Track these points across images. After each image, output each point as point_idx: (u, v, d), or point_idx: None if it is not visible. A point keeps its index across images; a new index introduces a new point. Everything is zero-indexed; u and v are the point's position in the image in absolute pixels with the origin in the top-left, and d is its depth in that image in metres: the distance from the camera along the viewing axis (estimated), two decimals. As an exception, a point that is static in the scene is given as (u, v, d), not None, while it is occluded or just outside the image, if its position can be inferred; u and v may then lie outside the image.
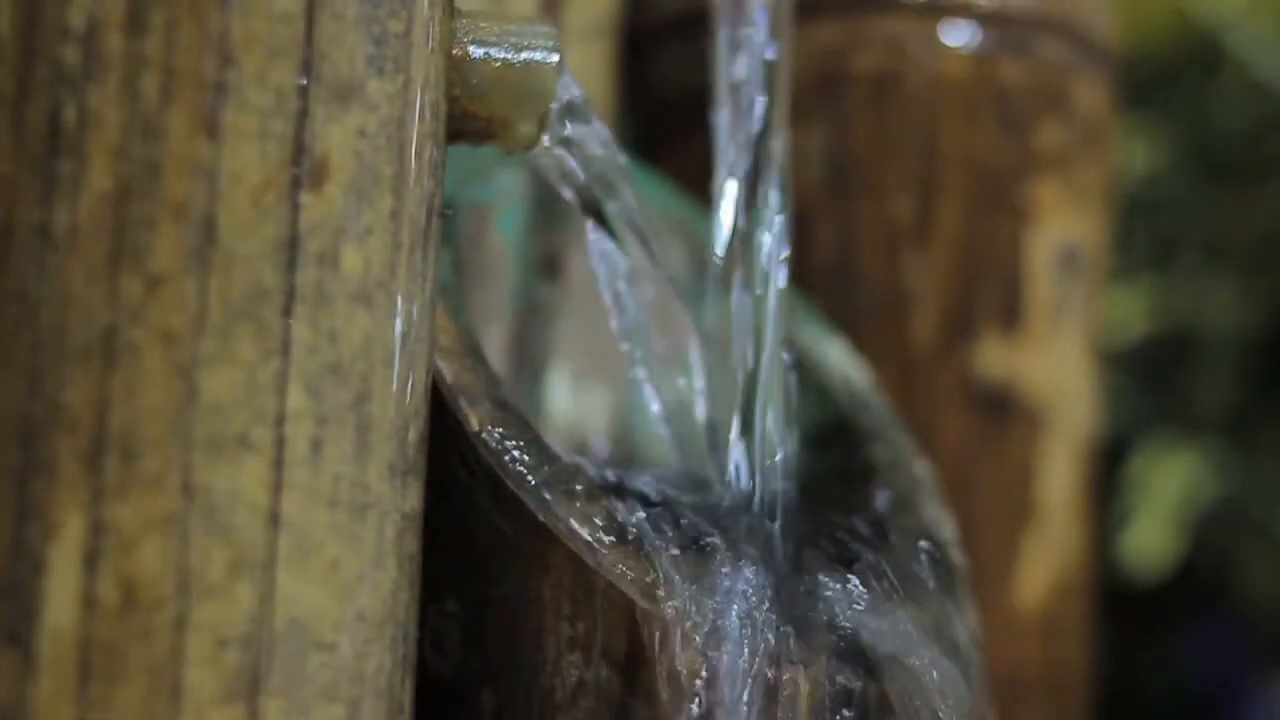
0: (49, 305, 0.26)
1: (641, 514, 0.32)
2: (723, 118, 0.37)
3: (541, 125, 0.32)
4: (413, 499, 0.29)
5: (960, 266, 0.46)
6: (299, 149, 0.27)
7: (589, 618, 0.30)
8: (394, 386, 0.28)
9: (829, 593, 0.32)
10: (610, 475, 0.34)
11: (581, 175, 0.34)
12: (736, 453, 0.36)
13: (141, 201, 0.26)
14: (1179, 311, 0.68)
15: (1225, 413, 0.69)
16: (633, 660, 0.30)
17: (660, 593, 0.30)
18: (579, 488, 0.31)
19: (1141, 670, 0.70)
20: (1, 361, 0.26)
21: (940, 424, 0.45)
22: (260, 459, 0.27)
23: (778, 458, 0.35)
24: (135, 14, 0.26)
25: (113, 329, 0.26)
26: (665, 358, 0.37)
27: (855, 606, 0.32)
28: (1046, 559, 0.46)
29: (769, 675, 0.30)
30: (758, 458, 0.35)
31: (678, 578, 0.31)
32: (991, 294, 0.46)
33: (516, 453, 0.31)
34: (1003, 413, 0.46)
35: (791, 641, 0.31)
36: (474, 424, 0.31)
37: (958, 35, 0.46)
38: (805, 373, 0.38)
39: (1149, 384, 0.69)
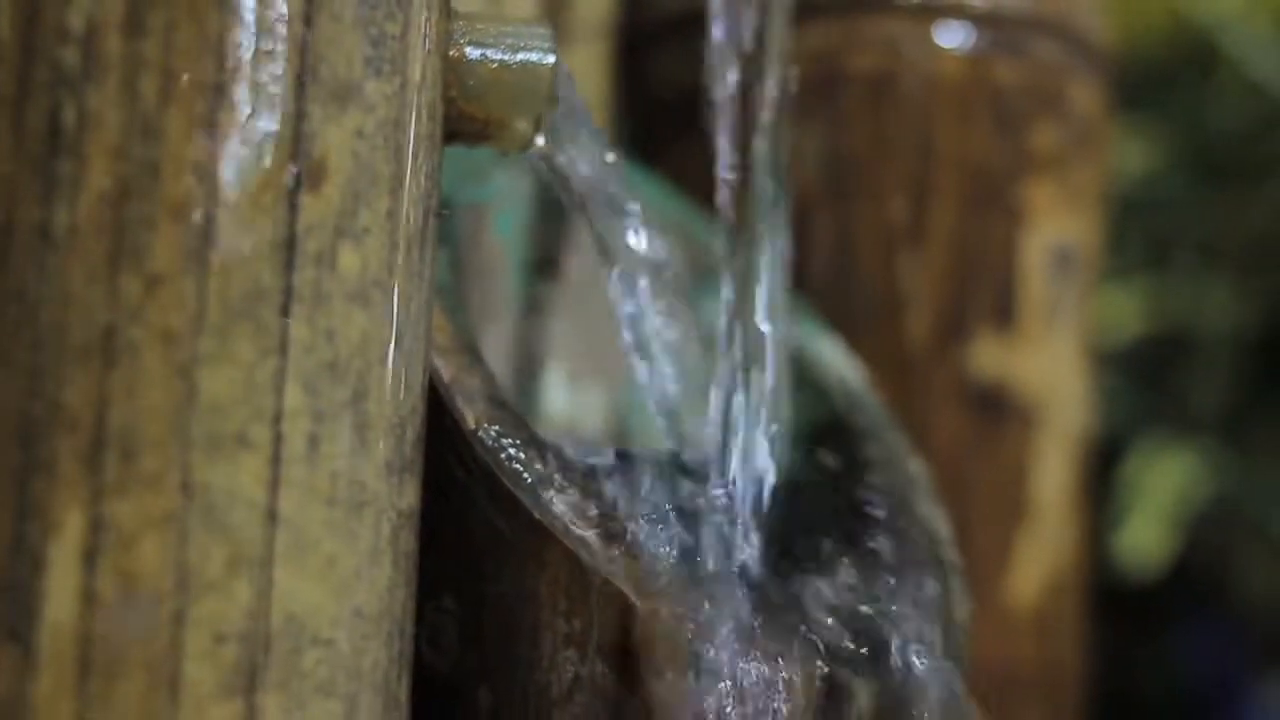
0: (49, 305, 0.26)
1: (637, 511, 0.32)
2: (722, 118, 0.37)
3: (537, 126, 0.32)
4: (409, 496, 0.29)
5: (955, 266, 0.46)
6: (297, 150, 0.27)
7: (585, 614, 0.30)
8: (391, 385, 0.28)
9: (823, 590, 0.32)
10: (606, 471, 0.34)
11: (577, 176, 0.34)
12: (732, 451, 0.36)
13: (141, 201, 0.26)
14: (1175, 311, 0.68)
15: (1221, 412, 0.69)
16: (628, 656, 0.30)
17: (655, 589, 0.30)
18: (575, 485, 0.31)
19: (1137, 669, 0.70)
20: (2, 361, 0.26)
21: (935, 423, 0.45)
22: (258, 457, 0.27)
23: (773, 456, 0.35)
24: (134, 16, 0.26)
25: (112, 328, 0.26)
26: (663, 356, 0.37)
27: (849, 604, 0.32)
28: (1040, 557, 0.47)
29: (762, 672, 0.30)
30: (753, 456, 0.36)
31: (672, 574, 0.31)
32: (986, 294, 0.46)
33: (513, 450, 0.31)
34: (997, 412, 0.46)
35: (784, 638, 0.31)
36: (470, 422, 0.32)
37: (952, 36, 0.46)
38: (801, 371, 0.38)
39: (1145, 384, 0.69)
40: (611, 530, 0.31)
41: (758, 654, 0.30)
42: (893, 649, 0.32)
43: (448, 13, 0.31)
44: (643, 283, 0.36)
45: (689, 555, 0.31)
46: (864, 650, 0.32)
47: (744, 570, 0.32)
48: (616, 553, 0.31)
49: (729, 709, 0.30)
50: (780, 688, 0.30)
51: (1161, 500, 0.66)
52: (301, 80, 0.27)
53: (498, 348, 0.40)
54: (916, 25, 0.46)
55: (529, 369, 0.41)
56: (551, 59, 0.32)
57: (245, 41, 0.27)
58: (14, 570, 0.26)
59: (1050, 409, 0.47)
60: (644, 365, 0.37)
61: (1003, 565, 0.46)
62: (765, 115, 0.37)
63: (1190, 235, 0.70)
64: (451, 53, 0.31)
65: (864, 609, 0.32)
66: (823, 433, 0.39)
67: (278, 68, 0.27)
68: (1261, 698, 0.70)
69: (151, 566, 0.26)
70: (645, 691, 0.30)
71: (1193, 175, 0.70)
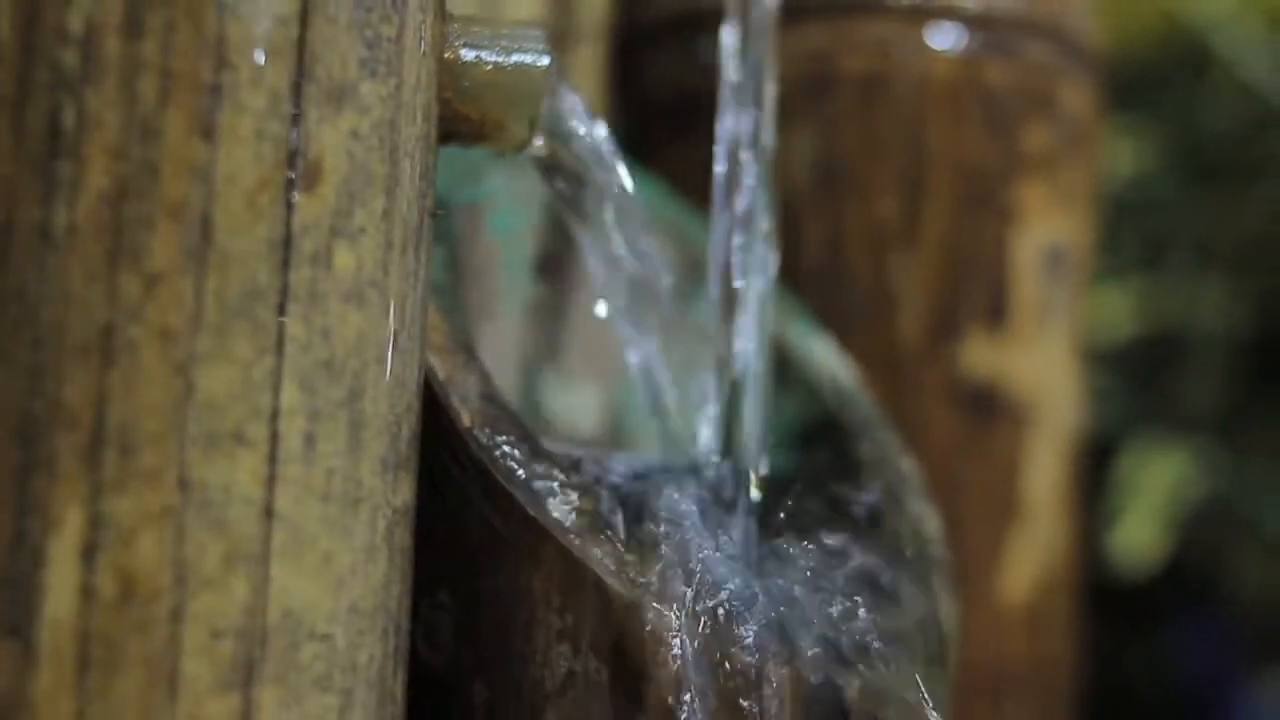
0: (49, 304, 0.26)
1: (630, 509, 0.32)
2: (721, 119, 0.37)
3: (532, 127, 0.33)
4: (404, 493, 0.29)
5: (947, 266, 0.46)
6: (293, 150, 0.27)
7: (578, 610, 0.30)
8: (386, 383, 0.29)
9: (813, 587, 0.33)
10: (600, 468, 0.34)
11: (573, 177, 0.35)
12: (724, 449, 0.36)
13: (139, 202, 0.26)
14: (1168, 311, 0.68)
15: (1214, 412, 0.69)
16: (620, 651, 0.30)
17: (647, 586, 0.30)
18: (568, 483, 0.31)
19: (1131, 667, 0.70)
20: (2, 359, 0.26)
21: (927, 422, 0.45)
22: (255, 454, 0.27)
23: (765, 454, 0.36)
24: (133, 17, 0.26)
25: (111, 327, 0.26)
26: (658, 356, 0.37)
27: (839, 602, 0.32)
28: (1032, 555, 0.47)
29: (752, 668, 0.30)
30: (745, 454, 0.36)
31: (664, 571, 0.31)
32: (977, 294, 0.46)
33: (507, 448, 0.32)
34: (988, 411, 0.46)
35: (775, 635, 0.31)
36: (465, 420, 0.32)
37: (944, 38, 0.46)
38: (793, 370, 0.39)
39: (1139, 383, 0.69)
40: (604, 527, 0.31)
41: (746, 651, 0.31)
42: (882, 647, 0.32)
43: (443, 15, 0.31)
44: (639, 283, 0.36)
45: (681, 552, 0.31)
46: (853, 648, 0.32)
47: (734, 568, 0.32)
48: (609, 549, 0.31)
49: (716, 705, 0.30)
50: (767, 685, 0.30)
51: (1155, 499, 0.66)
52: (297, 82, 0.27)
53: (493, 347, 0.40)
54: (908, 27, 0.46)
55: (524, 368, 0.41)
56: (546, 61, 0.32)
57: (242, 43, 0.27)
58: (14, 566, 0.26)
59: (1042, 408, 0.47)
60: (640, 364, 0.37)
61: (994, 563, 0.46)
62: (757, 117, 0.37)
63: (1184, 235, 0.70)
64: (447, 55, 0.31)
65: (854, 607, 0.33)
66: (814, 431, 0.39)
67: (274, 69, 0.27)
68: (1254, 695, 0.70)
69: (150, 562, 0.26)
70: (636, 687, 0.30)
71: (1186, 176, 0.70)
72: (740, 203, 0.37)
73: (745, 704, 0.30)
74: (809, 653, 0.31)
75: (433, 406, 0.31)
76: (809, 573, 0.33)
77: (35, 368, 0.26)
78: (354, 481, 0.28)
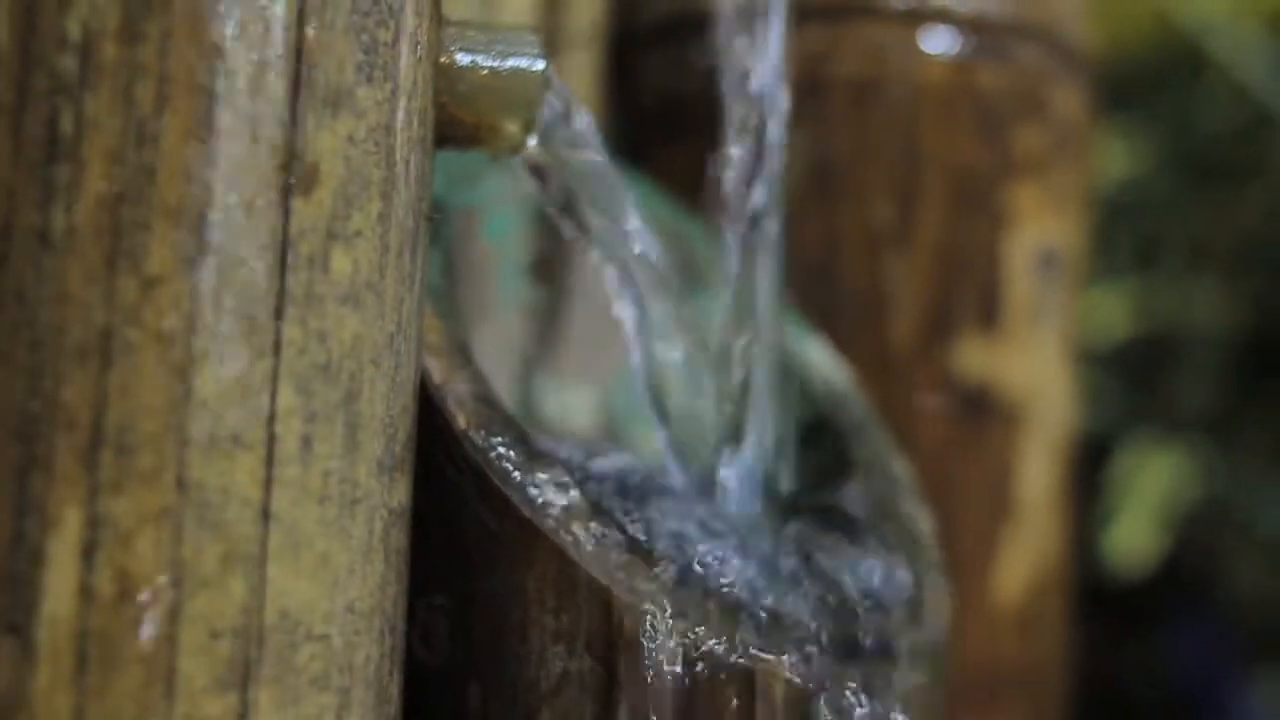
0: (47, 306, 0.26)
1: (625, 509, 0.32)
2: (728, 119, 0.38)
3: (527, 130, 0.33)
4: (400, 494, 0.30)
5: (940, 268, 0.46)
6: (290, 155, 0.27)
7: (572, 610, 0.31)
8: (382, 385, 0.29)
9: (808, 587, 0.33)
10: (597, 468, 0.34)
11: (567, 180, 0.35)
12: (723, 451, 0.36)
13: (137, 205, 0.26)
14: (1163, 312, 0.69)
15: (1209, 413, 0.69)
16: (615, 651, 0.30)
17: (641, 586, 0.31)
18: (563, 484, 0.32)
19: (1125, 668, 0.70)
20: (1, 361, 0.26)
21: (919, 423, 0.45)
22: (252, 455, 0.27)
23: (763, 456, 0.36)
24: (130, 24, 0.26)
25: (109, 329, 0.26)
26: (656, 357, 0.37)
27: (833, 601, 0.33)
28: (1024, 556, 0.47)
29: (747, 668, 0.31)
30: (743, 456, 0.36)
31: (659, 571, 0.31)
32: (970, 295, 0.46)
33: (502, 449, 0.32)
34: (981, 412, 0.46)
35: (770, 635, 0.31)
36: (461, 422, 0.32)
37: (937, 42, 0.46)
38: (787, 372, 0.39)
39: (1134, 384, 0.69)
40: (599, 528, 0.31)
41: (741, 653, 0.31)
42: (875, 647, 0.32)
43: (438, 20, 0.31)
44: (635, 284, 0.36)
45: (675, 552, 0.32)
46: (847, 647, 0.32)
47: (730, 567, 0.32)
48: (603, 550, 0.31)
49: (711, 707, 0.30)
50: (762, 688, 0.31)
51: (1150, 500, 0.66)
52: (294, 87, 0.27)
53: (489, 349, 0.40)
54: (901, 31, 0.46)
55: (520, 370, 0.42)
56: (540, 65, 0.32)
57: (239, 49, 0.27)
58: (14, 565, 0.26)
59: (1034, 409, 0.47)
60: (637, 365, 0.37)
61: (987, 564, 0.46)
62: (761, 121, 0.37)
63: (1179, 236, 0.70)
64: (442, 59, 0.31)
65: (848, 606, 0.33)
66: (808, 432, 0.39)
67: (271, 75, 0.27)
68: (1249, 696, 0.70)
69: (148, 563, 0.26)
70: (631, 686, 0.30)
71: (1181, 177, 0.70)
72: (747, 204, 0.37)
73: (740, 706, 0.30)
74: (809, 653, 0.31)
75: (429, 408, 0.32)
76: (808, 574, 0.33)
77: (34, 369, 0.26)
78: (351, 483, 0.28)
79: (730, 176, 0.37)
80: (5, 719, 0.26)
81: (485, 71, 0.32)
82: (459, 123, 0.32)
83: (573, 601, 0.31)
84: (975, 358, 0.46)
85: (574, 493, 0.32)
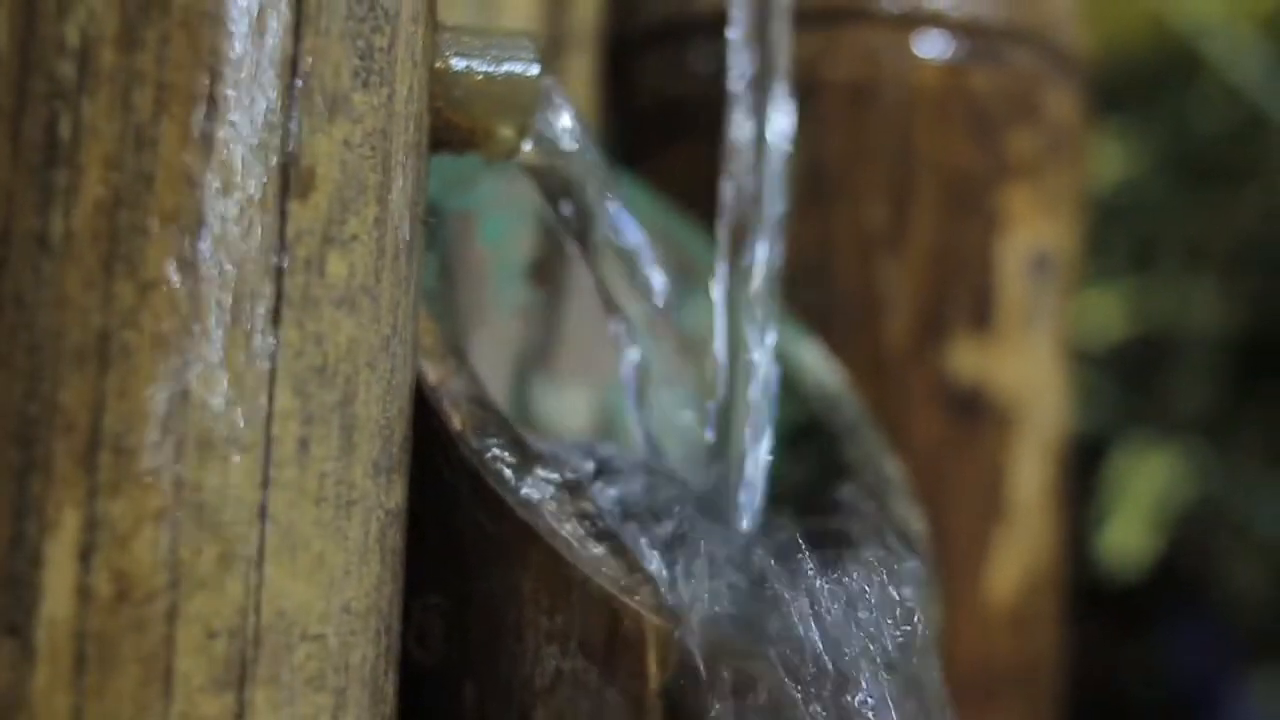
0: (46, 309, 0.26)
1: (619, 510, 0.33)
2: (731, 122, 0.38)
3: (522, 134, 0.33)
4: (397, 496, 0.30)
5: (933, 271, 0.46)
6: (286, 159, 0.27)
7: (567, 611, 0.31)
8: (378, 388, 0.29)
9: (801, 591, 0.33)
10: (590, 470, 0.34)
11: (563, 183, 0.35)
12: (717, 452, 0.36)
13: (135, 210, 0.27)
14: (1159, 314, 0.69)
15: (1204, 413, 0.69)
16: (609, 651, 0.30)
17: (635, 587, 0.31)
18: (557, 485, 0.32)
19: (1121, 668, 0.71)
20: (0, 364, 0.27)
21: (913, 424, 0.45)
22: (249, 457, 0.27)
23: (757, 458, 0.36)
24: (129, 30, 0.27)
25: (107, 332, 0.26)
26: (651, 358, 0.37)
27: (826, 604, 0.33)
28: (1017, 557, 0.47)
29: (740, 670, 0.31)
30: (737, 458, 0.36)
31: (653, 572, 0.31)
32: (964, 298, 0.46)
33: (497, 451, 0.32)
34: (974, 413, 0.46)
35: (759, 637, 0.31)
36: (456, 424, 0.32)
37: (930, 45, 0.46)
38: (781, 374, 0.39)
39: (1129, 385, 0.70)
40: (593, 529, 0.31)
41: (736, 653, 0.31)
42: (867, 650, 0.32)
43: (434, 25, 0.31)
44: (632, 285, 0.36)
45: (669, 553, 0.32)
46: (840, 651, 0.32)
47: (723, 569, 0.32)
48: (598, 551, 0.31)
49: (706, 707, 0.30)
50: (756, 687, 0.31)
51: (1145, 500, 0.66)
52: (291, 92, 0.28)
53: (484, 352, 0.40)
54: (895, 35, 0.46)
55: (515, 372, 0.42)
56: (536, 70, 0.32)
57: (236, 55, 0.27)
58: (13, 566, 0.26)
59: (1027, 411, 0.47)
60: (632, 366, 0.37)
61: (980, 565, 0.46)
62: (762, 125, 0.37)
63: (1174, 238, 0.70)
64: (438, 64, 0.31)
65: (841, 609, 0.33)
66: (801, 434, 0.39)
67: (267, 80, 0.27)
68: (1245, 696, 0.70)
69: (145, 563, 0.26)
70: (625, 686, 0.30)
71: (1176, 179, 0.70)
72: (744, 206, 0.37)
73: (735, 706, 0.30)
74: (801, 657, 0.31)
75: (425, 410, 0.32)
76: (802, 577, 0.33)
77: (32, 372, 0.26)
78: (347, 484, 0.28)
79: (728, 178, 0.37)
80: (5, 719, 0.26)
81: (480, 76, 0.32)
82: (454, 127, 0.32)
83: (567, 602, 0.31)
84: (968, 360, 0.46)
85: (569, 493, 0.32)
